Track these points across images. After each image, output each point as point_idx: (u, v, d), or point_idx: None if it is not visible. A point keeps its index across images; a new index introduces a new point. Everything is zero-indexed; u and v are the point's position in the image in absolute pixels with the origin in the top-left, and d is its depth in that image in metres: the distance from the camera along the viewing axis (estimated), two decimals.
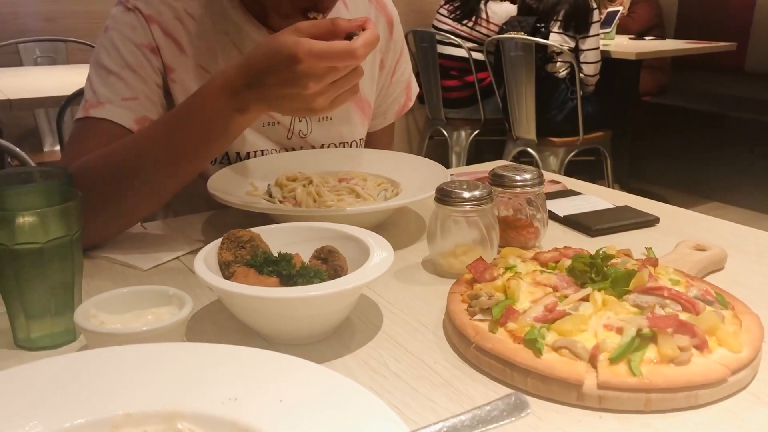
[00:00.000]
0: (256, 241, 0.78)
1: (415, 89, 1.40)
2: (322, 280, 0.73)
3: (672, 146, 4.51)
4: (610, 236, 1.02)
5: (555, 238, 1.00)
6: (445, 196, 0.86)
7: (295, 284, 0.72)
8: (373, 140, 1.37)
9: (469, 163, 4.01)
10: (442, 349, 0.71)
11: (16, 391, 0.51)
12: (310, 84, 0.80)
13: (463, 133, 4.06)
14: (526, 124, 3.57)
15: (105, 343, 0.64)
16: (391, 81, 1.34)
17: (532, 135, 3.57)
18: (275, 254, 0.77)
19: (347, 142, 1.27)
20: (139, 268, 0.92)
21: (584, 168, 3.83)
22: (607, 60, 3.60)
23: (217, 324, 0.76)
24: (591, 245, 0.98)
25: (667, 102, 4.62)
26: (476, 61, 3.83)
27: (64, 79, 2.76)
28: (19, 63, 3.42)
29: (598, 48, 3.52)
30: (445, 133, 4.12)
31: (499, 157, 3.79)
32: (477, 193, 0.85)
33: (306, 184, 1.05)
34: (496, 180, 0.94)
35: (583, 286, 0.73)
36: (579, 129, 3.50)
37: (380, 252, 0.74)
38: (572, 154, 3.57)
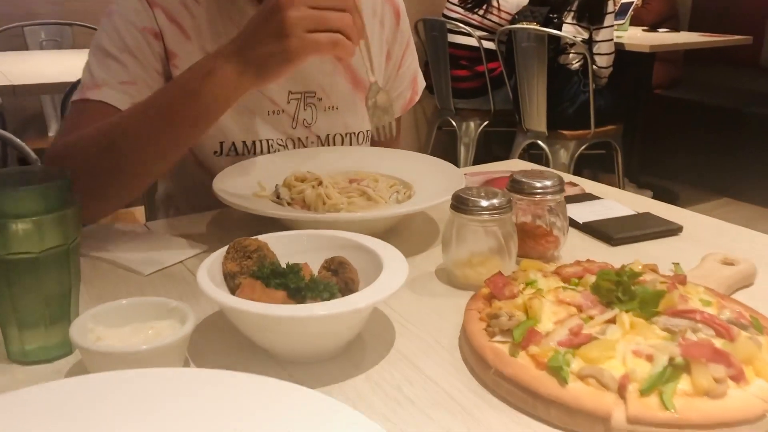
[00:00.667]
0: (263, 251, 0.74)
1: (422, 84, 1.37)
2: (332, 294, 0.69)
3: (683, 141, 4.45)
4: (631, 245, 0.97)
5: (574, 246, 0.96)
6: (461, 203, 0.81)
7: (303, 298, 0.69)
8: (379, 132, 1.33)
9: (477, 154, 3.96)
10: (458, 370, 0.67)
11: (3, 424, 0.47)
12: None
13: (472, 124, 4.00)
14: (536, 116, 3.51)
15: (102, 363, 0.61)
16: (397, 74, 1.31)
17: (542, 128, 3.51)
18: (283, 265, 0.73)
19: (353, 133, 1.23)
20: (141, 273, 0.88)
21: (594, 162, 3.78)
22: (620, 52, 3.53)
23: (221, 337, 0.72)
24: (612, 255, 0.94)
25: (679, 96, 4.55)
26: (487, 50, 3.76)
27: (69, 64, 2.71)
28: (24, 46, 3.38)
29: (611, 39, 3.45)
30: (453, 123, 4.06)
31: (508, 149, 3.74)
32: (496, 201, 0.81)
33: (315, 185, 1.00)
34: (515, 186, 0.89)
35: (608, 305, 0.69)
36: (590, 122, 3.44)
37: (394, 265, 0.70)
38: (583, 147, 3.52)
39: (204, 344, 0.71)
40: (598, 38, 3.41)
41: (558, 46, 3.39)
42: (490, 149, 4.17)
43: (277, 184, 1.03)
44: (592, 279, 0.73)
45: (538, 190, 0.88)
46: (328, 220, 0.90)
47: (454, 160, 4.02)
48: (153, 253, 0.93)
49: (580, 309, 0.68)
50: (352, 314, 0.64)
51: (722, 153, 4.29)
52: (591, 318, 0.66)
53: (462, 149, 4.02)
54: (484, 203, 0.81)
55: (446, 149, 4.14)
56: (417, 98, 1.35)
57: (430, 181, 1.06)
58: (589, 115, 3.43)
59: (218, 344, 0.71)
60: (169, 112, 0.88)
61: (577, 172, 3.57)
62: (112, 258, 0.91)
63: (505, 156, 3.73)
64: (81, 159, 0.91)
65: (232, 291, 0.72)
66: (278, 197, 1.00)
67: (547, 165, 3.54)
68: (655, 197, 3.88)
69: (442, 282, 0.86)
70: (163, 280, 0.87)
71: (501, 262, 0.83)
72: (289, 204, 0.98)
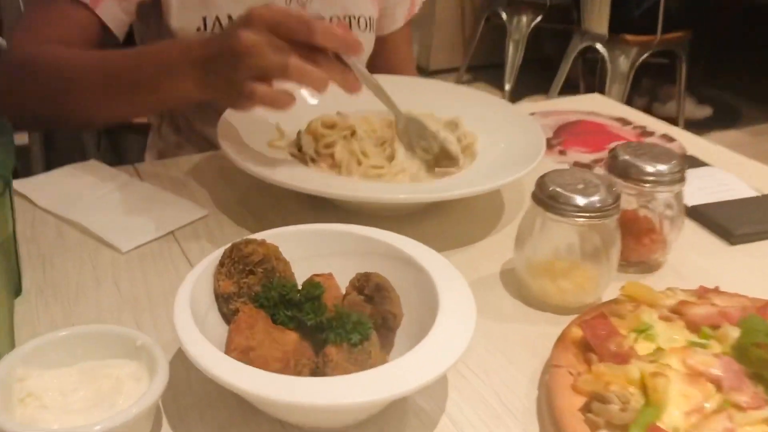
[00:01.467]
0: (271, 263, 0.53)
1: None
2: (365, 336, 0.48)
3: (754, 52, 4.04)
4: (754, 244, 0.75)
5: (680, 241, 0.72)
6: (550, 198, 0.59)
7: (325, 341, 0.48)
8: (387, 45, 1.18)
9: (527, 53, 3.62)
10: None
11: None
12: (244, 34, 0.65)
13: (524, 19, 3.63)
14: (598, 15, 3.15)
15: None
16: None
17: (603, 29, 3.16)
18: (298, 276, 0.53)
19: (353, 16, 1.05)
20: (118, 249, 0.68)
21: (653, 71, 3.45)
22: None
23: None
24: (730, 257, 0.73)
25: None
26: None
27: None
28: None
29: None
30: (503, 16, 3.70)
31: (562, 50, 3.40)
32: (597, 199, 0.58)
33: (348, 135, 0.78)
34: (617, 167, 0.66)
35: (758, 378, 0.48)
36: (657, 27, 3.08)
37: (453, 300, 0.50)
38: (646, 55, 3.17)
39: (185, 384, 0.51)
40: None
41: None
42: (541, 49, 3.82)
43: (300, 130, 0.80)
44: (734, 333, 0.51)
45: (650, 178, 0.65)
46: (360, 198, 0.68)
47: (501, 58, 3.70)
48: (136, 219, 0.72)
49: (719, 387, 0.48)
50: (394, 397, 0.43)
51: None
52: (739, 408, 0.46)
53: (510, 46, 3.68)
54: (581, 201, 0.58)
55: (493, 45, 3.81)
56: (416, 9, 1.21)
57: (495, 132, 0.83)
58: (656, 19, 3.07)
59: (204, 385, 0.52)
60: (124, 87, 0.81)
61: (635, 83, 3.25)
62: (85, 224, 0.70)
63: (558, 58, 3.40)
64: (38, 82, 0.85)
65: (227, 319, 0.52)
66: (299, 150, 0.78)
67: (603, 72, 3.22)
68: (714, 114, 3.61)
69: (510, 294, 0.65)
70: (144, 261, 0.67)
71: (596, 273, 0.61)
72: (313, 161, 0.76)
